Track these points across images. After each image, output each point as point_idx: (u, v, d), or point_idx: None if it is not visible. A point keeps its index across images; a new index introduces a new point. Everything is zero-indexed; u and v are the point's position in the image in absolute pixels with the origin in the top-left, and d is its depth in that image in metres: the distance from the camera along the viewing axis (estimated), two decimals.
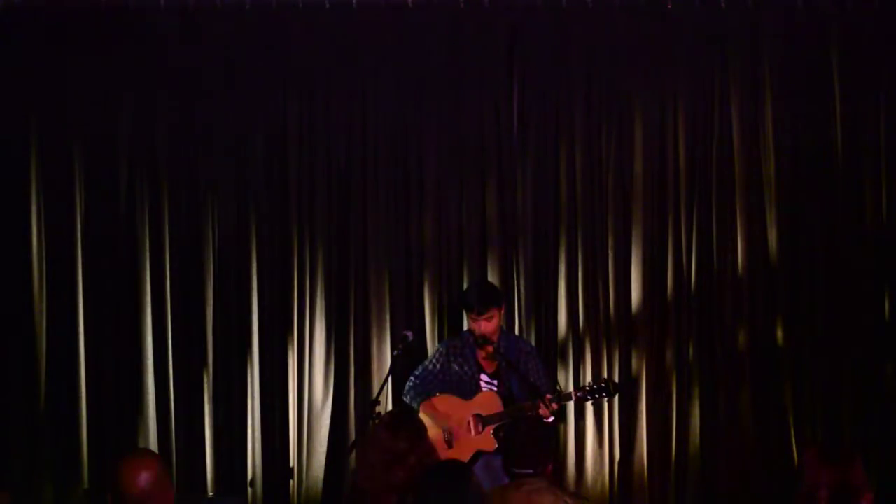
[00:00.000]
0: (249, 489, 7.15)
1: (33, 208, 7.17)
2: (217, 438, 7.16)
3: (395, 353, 6.37)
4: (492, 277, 7.12)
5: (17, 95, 7.13)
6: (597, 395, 6.10)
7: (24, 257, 7.14)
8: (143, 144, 7.21)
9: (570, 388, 6.72)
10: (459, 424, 6.09)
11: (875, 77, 7.21)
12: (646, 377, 7.19)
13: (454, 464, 4.09)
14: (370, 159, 7.25)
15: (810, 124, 7.24)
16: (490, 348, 6.14)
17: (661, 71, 7.26)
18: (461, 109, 7.25)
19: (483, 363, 6.22)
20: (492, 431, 6.04)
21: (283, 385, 7.19)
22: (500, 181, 7.26)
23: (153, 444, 7.06)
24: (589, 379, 7.01)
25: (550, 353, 7.21)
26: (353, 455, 6.15)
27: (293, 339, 7.20)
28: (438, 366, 6.27)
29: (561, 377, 7.14)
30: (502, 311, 6.28)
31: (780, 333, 7.19)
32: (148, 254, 7.16)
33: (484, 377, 6.21)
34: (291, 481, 7.17)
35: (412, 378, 6.31)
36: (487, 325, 6.09)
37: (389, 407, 6.77)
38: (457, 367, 6.22)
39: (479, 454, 6.03)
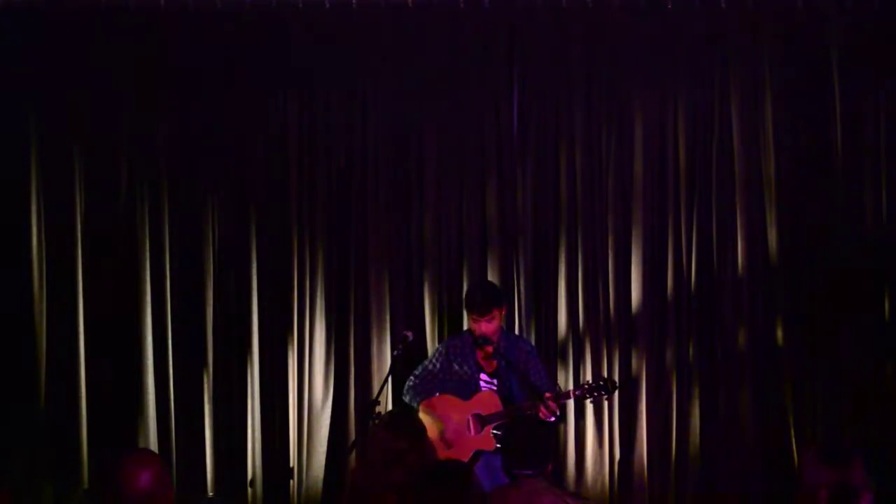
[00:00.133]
0: (249, 489, 7.15)
1: (33, 208, 7.17)
2: (217, 438, 7.16)
3: (395, 353, 6.37)
4: (492, 277, 7.12)
5: (17, 95, 7.13)
6: (595, 394, 6.10)
7: (24, 257, 7.14)
8: (143, 144, 7.21)
9: (570, 388, 6.71)
10: (459, 424, 6.09)
11: (875, 77, 7.21)
12: (646, 377, 7.19)
13: (454, 464, 4.09)
14: (370, 159, 7.25)
15: (810, 124, 7.24)
16: (490, 348, 6.14)
17: (661, 71, 7.26)
18: (461, 109, 7.25)
19: (482, 363, 6.21)
20: (491, 431, 6.03)
21: (283, 385, 7.19)
22: (500, 181, 7.26)
23: (153, 444, 7.06)
24: (589, 379, 7.00)
25: (550, 353, 7.21)
26: (353, 455, 6.16)
27: (293, 339, 7.20)
28: (438, 365, 6.27)
29: (561, 377, 7.14)
30: (503, 312, 6.28)
31: (780, 333, 7.19)
32: (148, 254, 7.16)
33: (483, 377, 6.21)
34: (291, 481, 7.17)
35: (412, 378, 6.31)
36: (488, 326, 6.10)
37: (389, 407, 6.77)
38: (456, 367, 6.22)
39: (478, 454, 6.03)
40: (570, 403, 7.06)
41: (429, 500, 3.75)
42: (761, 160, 7.24)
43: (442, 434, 6.06)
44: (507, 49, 7.25)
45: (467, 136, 7.25)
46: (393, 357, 6.65)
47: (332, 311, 7.22)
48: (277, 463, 7.18)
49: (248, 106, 7.21)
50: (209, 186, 7.23)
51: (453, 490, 3.75)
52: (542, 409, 5.90)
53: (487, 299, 6.15)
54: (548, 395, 5.98)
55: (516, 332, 7.12)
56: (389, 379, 6.52)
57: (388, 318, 7.21)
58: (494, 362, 6.19)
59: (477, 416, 6.07)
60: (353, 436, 7.04)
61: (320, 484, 7.13)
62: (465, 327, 6.44)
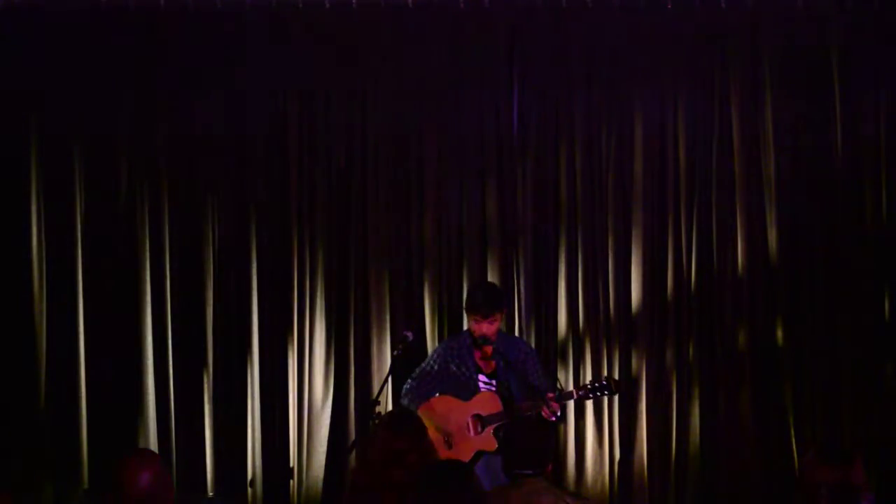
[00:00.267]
0: (249, 489, 7.15)
1: (33, 208, 7.17)
2: (217, 438, 7.16)
3: (395, 353, 6.37)
4: (492, 277, 7.12)
5: (17, 95, 7.13)
6: (598, 393, 6.10)
7: (24, 257, 7.14)
8: (143, 144, 7.21)
9: (571, 387, 6.71)
10: (459, 425, 6.09)
11: (875, 77, 7.21)
12: (646, 377, 7.19)
13: (454, 464, 4.09)
14: (370, 159, 7.26)
15: (810, 124, 7.24)
16: (490, 349, 6.14)
17: (661, 71, 7.26)
18: (461, 109, 7.25)
19: (481, 363, 6.21)
20: (492, 431, 6.03)
21: (283, 385, 7.19)
22: (500, 181, 7.26)
23: (153, 444, 7.06)
24: (589, 379, 7.00)
25: (550, 353, 7.21)
26: (353, 455, 6.16)
27: (293, 339, 7.20)
28: (436, 367, 6.27)
29: (561, 377, 7.13)
30: (504, 314, 6.28)
31: (780, 333, 7.19)
32: (148, 254, 7.16)
33: (482, 377, 6.20)
34: (291, 481, 7.17)
35: (410, 380, 6.31)
36: (489, 328, 6.10)
37: (389, 407, 6.77)
38: (454, 368, 6.21)
39: (479, 454, 6.03)
40: (571, 403, 7.06)
41: (429, 500, 3.75)
42: (761, 160, 7.24)
43: (442, 435, 6.06)
44: (507, 49, 7.25)
45: (467, 136, 7.25)
46: (393, 357, 6.65)
47: (332, 311, 7.22)
48: (277, 463, 7.18)
49: (248, 106, 7.21)
50: (209, 186, 7.23)
51: (453, 490, 3.75)
52: (545, 408, 5.90)
53: (492, 301, 6.15)
54: (550, 395, 5.98)
55: (516, 332, 7.13)
56: (389, 379, 6.52)
57: (388, 318, 7.21)
58: (493, 363, 6.19)
59: (477, 417, 6.07)
60: (353, 436, 7.04)
61: (320, 484, 7.13)
62: (465, 328, 6.44)
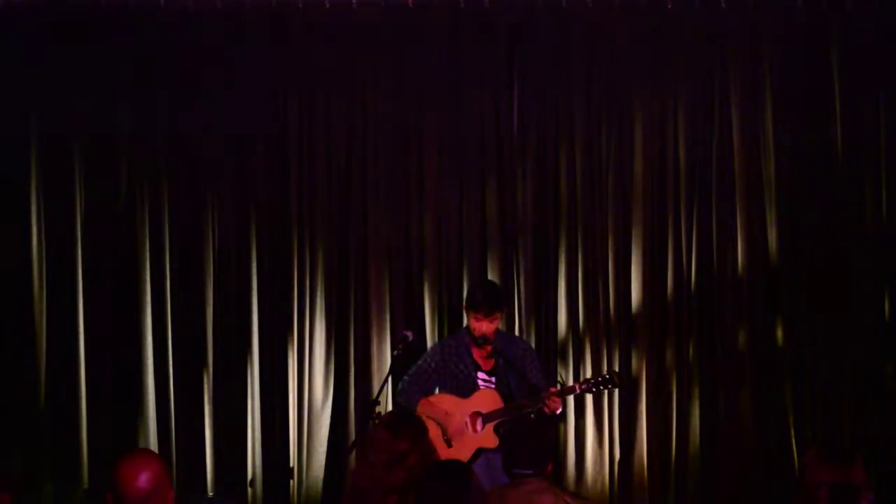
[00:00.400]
0: (249, 489, 7.15)
1: (33, 208, 7.17)
2: (217, 438, 7.17)
3: (395, 353, 6.36)
4: (492, 277, 7.12)
5: (17, 95, 7.14)
6: (601, 387, 6.10)
7: (24, 257, 7.14)
8: (143, 144, 7.21)
9: (574, 382, 6.70)
10: (459, 423, 6.09)
11: (875, 77, 7.21)
12: (646, 377, 7.19)
13: (454, 464, 4.09)
14: (370, 159, 7.26)
15: (810, 124, 7.24)
16: (490, 347, 6.14)
17: (661, 71, 7.26)
18: (461, 109, 7.25)
19: (480, 361, 6.21)
20: (493, 428, 6.03)
21: (283, 385, 7.19)
22: (500, 181, 7.26)
23: (153, 444, 7.06)
24: (591, 375, 7.00)
25: (550, 352, 7.21)
26: (353, 455, 6.16)
27: (293, 339, 7.20)
28: (433, 364, 6.26)
29: (561, 377, 7.13)
30: (504, 312, 6.28)
31: (780, 333, 7.19)
32: (148, 254, 7.17)
33: (481, 375, 6.20)
34: (291, 481, 7.17)
35: (405, 378, 6.30)
36: (490, 326, 6.10)
37: (389, 407, 6.77)
38: (453, 366, 6.21)
39: (479, 452, 6.03)
40: (571, 402, 7.06)
41: (429, 500, 3.75)
42: (761, 160, 7.24)
43: (443, 433, 6.06)
44: (507, 49, 7.25)
45: (467, 136, 7.25)
46: (393, 357, 6.64)
47: (332, 311, 7.22)
48: (277, 463, 7.18)
49: (248, 106, 7.21)
50: (209, 186, 7.23)
51: (453, 490, 3.75)
52: (548, 403, 5.91)
53: (493, 300, 6.15)
54: (553, 389, 5.98)
55: (516, 331, 7.13)
56: (389, 379, 6.52)
57: (388, 318, 7.21)
58: (492, 360, 6.19)
59: (478, 415, 6.07)
60: (353, 436, 7.04)
61: (320, 484, 7.13)
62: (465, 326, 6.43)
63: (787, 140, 7.24)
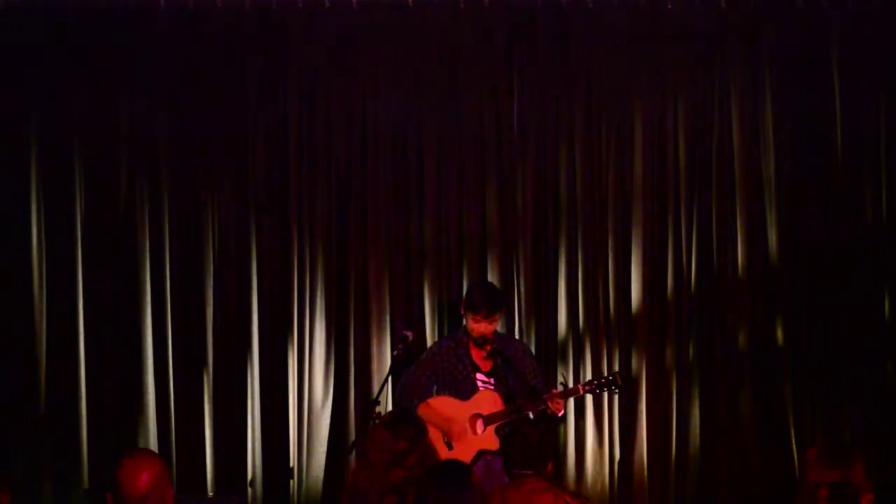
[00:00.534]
0: (249, 489, 7.15)
1: (33, 208, 7.17)
2: (217, 438, 7.17)
3: (395, 353, 6.36)
4: (492, 277, 7.12)
5: (17, 95, 7.13)
6: (604, 389, 6.10)
7: (24, 257, 7.14)
8: (143, 144, 7.21)
9: (577, 383, 6.69)
10: (460, 425, 6.08)
11: (875, 77, 7.21)
12: (646, 377, 7.19)
13: (454, 464, 4.09)
14: (370, 159, 7.25)
15: (810, 124, 7.24)
16: (489, 347, 6.14)
17: (661, 71, 7.26)
18: (461, 109, 7.25)
19: (479, 362, 6.21)
20: (494, 430, 6.03)
21: (283, 385, 7.19)
22: (500, 181, 7.26)
23: (153, 444, 7.06)
24: (592, 376, 7.00)
25: (550, 353, 7.21)
26: (353, 455, 6.16)
27: (293, 339, 7.20)
28: (432, 366, 6.26)
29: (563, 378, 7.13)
30: (503, 313, 6.28)
31: (780, 333, 7.19)
32: (148, 254, 7.17)
33: (480, 376, 6.20)
34: (291, 481, 7.17)
35: (402, 381, 6.30)
36: (489, 328, 6.10)
37: (389, 407, 6.77)
38: (451, 367, 6.21)
39: (481, 454, 6.02)
40: (571, 404, 7.06)
41: (429, 500, 3.75)
42: (761, 160, 7.24)
43: (443, 436, 6.06)
44: (507, 49, 7.25)
45: (467, 136, 7.25)
46: (393, 357, 6.65)
47: (332, 311, 7.22)
48: (277, 463, 7.18)
49: (248, 106, 7.21)
50: (209, 186, 7.23)
51: (454, 490, 3.75)
52: (551, 404, 5.91)
53: (493, 301, 6.15)
54: (555, 390, 5.98)
55: (516, 332, 7.13)
56: (389, 379, 6.52)
57: (388, 318, 7.21)
58: (491, 361, 6.19)
59: (479, 417, 6.07)
60: (353, 436, 7.03)
61: (320, 484, 7.13)
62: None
63: (787, 140, 7.24)
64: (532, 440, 4.64)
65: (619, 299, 7.23)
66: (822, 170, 7.23)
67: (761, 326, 7.20)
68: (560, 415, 6.03)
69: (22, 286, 7.12)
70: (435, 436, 5.90)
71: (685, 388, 7.20)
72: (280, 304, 7.23)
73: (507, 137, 7.26)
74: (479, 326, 6.09)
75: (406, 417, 4.43)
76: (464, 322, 6.28)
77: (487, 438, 6.03)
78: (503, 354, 6.14)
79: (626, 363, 7.19)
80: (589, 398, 7.10)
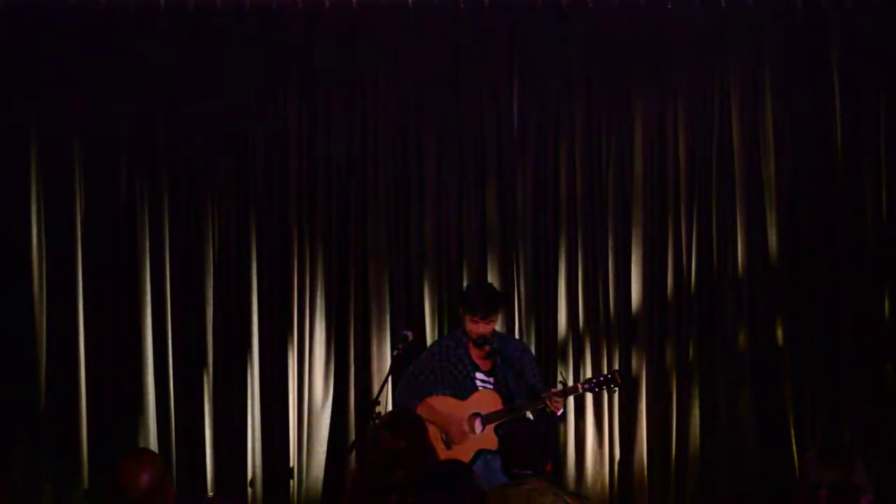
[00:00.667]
0: (249, 489, 7.15)
1: (33, 208, 7.17)
2: (217, 438, 7.16)
3: (395, 353, 6.36)
4: (492, 277, 7.12)
5: (17, 95, 7.13)
6: (603, 387, 6.10)
7: (24, 257, 7.14)
8: (143, 144, 7.21)
9: (576, 382, 6.70)
10: (459, 424, 6.08)
11: (875, 77, 7.21)
12: (646, 377, 7.19)
13: (454, 464, 4.09)
14: (370, 159, 7.25)
15: (810, 124, 7.25)
16: (488, 347, 6.14)
17: (661, 71, 7.26)
18: (461, 109, 7.25)
19: (478, 362, 6.21)
20: (493, 430, 6.03)
21: (283, 385, 7.19)
22: (500, 181, 7.26)
23: (153, 444, 7.05)
24: (591, 375, 7.00)
25: (550, 353, 7.21)
26: (353, 455, 6.16)
27: (293, 339, 7.20)
28: (431, 366, 6.26)
29: (562, 377, 7.14)
30: (500, 312, 6.29)
31: (780, 333, 7.19)
32: (148, 254, 7.16)
33: (479, 376, 6.20)
34: (291, 481, 7.16)
35: (402, 382, 6.30)
36: (487, 328, 6.10)
37: (389, 407, 6.77)
38: (450, 367, 6.21)
39: (480, 453, 6.02)
40: (571, 403, 7.06)
41: (429, 500, 3.75)
42: (761, 160, 7.24)
43: (442, 435, 6.06)
44: (507, 49, 7.25)
45: (467, 136, 7.25)
46: (393, 357, 6.64)
47: (332, 311, 7.22)
48: (277, 463, 7.18)
49: (248, 106, 7.21)
50: (209, 186, 7.23)
51: (453, 490, 3.75)
52: (550, 403, 5.90)
53: (491, 302, 6.15)
54: (554, 389, 5.98)
55: (516, 332, 7.13)
56: (389, 379, 6.52)
57: (388, 318, 7.21)
58: (490, 361, 6.19)
59: (477, 416, 6.07)
60: (353, 436, 7.04)
61: (320, 484, 7.13)
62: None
63: (787, 140, 7.24)
64: (532, 440, 4.65)
65: (619, 299, 7.23)
66: (822, 170, 7.23)
67: (761, 326, 7.20)
68: (559, 413, 6.03)
69: (22, 286, 7.12)
70: (434, 436, 5.91)
71: (685, 388, 7.20)
72: (280, 304, 7.23)
73: (507, 137, 7.26)
74: (476, 327, 6.09)
75: (406, 417, 4.43)
76: (462, 322, 6.29)
77: (486, 438, 6.03)
78: (502, 354, 6.14)
79: (626, 363, 7.19)
80: (589, 398, 7.10)
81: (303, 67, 7.23)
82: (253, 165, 7.24)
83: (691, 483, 7.17)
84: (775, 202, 7.21)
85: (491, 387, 6.16)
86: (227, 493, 7.12)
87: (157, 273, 7.17)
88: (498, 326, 6.34)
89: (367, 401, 6.86)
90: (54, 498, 7.09)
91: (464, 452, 5.97)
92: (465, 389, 6.16)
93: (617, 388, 6.25)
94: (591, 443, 7.18)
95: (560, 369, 7.10)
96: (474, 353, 6.20)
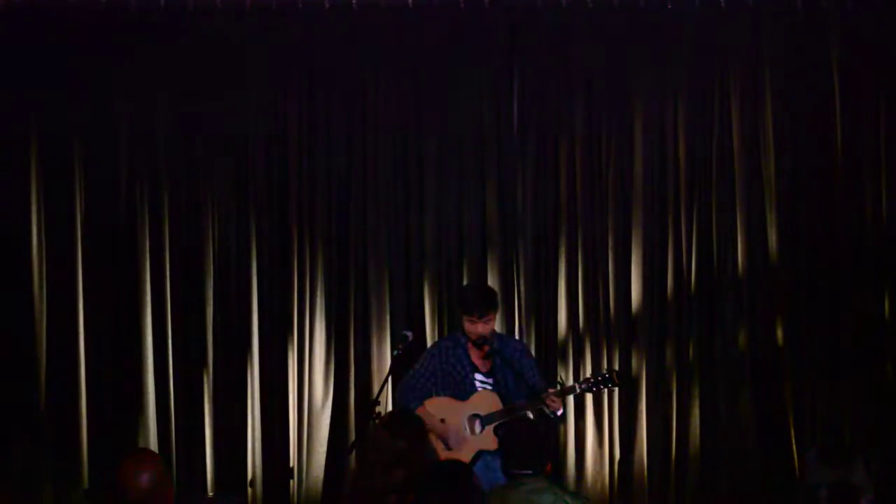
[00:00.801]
0: (249, 489, 7.15)
1: (33, 208, 7.18)
2: (217, 438, 7.17)
3: (395, 353, 6.35)
4: (492, 277, 7.13)
5: (17, 95, 7.14)
6: (601, 386, 6.09)
7: (24, 257, 7.14)
8: (143, 144, 7.22)
9: (574, 382, 6.70)
10: (458, 425, 6.08)
11: (875, 77, 7.21)
12: (646, 377, 7.19)
13: (454, 464, 4.09)
14: (370, 159, 7.26)
15: (810, 124, 7.25)
16: (487, 347, 6.13)
17: (661, 71, 7.26)
18: (461, 109, 7.25)
19: (477, 362, 6.19)
20: (492, 430, 6.02)
21: (283, 385, 7.19)
22: (500, 181, 7.26)
23: (153, 444, 7.06)
24: (590, 372, 7.00)
25: (550, 353, 7.21)
26: (353, 455, 6.16)
27: (293, 339, 7.20)
28: (430, 367, 6.25)
29: (561, 377, 7.13)
30: (498, 312, 6.29)
31: (780, 333, 7.19)
32: (148, 254, 7.17)
33: (479, 376, 6.18)
34: (291, 481, 7.17)
35: (402, 383, 6.29)
36: (485, 328, 6.09)
37: (389, 407, 6.77)
38: (449, 368, 6.20)
39: (479, 454, 6.02)
40: (571, 403, 7.06)
41: (429, 500, 3.75)
42: (761, 160, 7.24)
43: (442, 436, 6.05)
44: (507, 49, 7.25)
45: (467, 135, 7.26)
46: (393, 357, 6.64)
47: (332, 311, 7.22)
48: (277, 463, 7.18)
49: (248, 106, 7.22)
50: (209, 187, 7.23)
51: (453, 490, 3.75)
52: (549, 403, 5.90)
53: (486, 301, 6.13)
54: (552, 389, 5.98)
55: (515, 332, 7.13)
56: (389, 379, 6.52)
57: (388, 318, 7.21)
58: (489, 361, 6.18)
59: (477, 417, 6.07)
60: (353, 436, 7.04)
61: (320, 484, 7.13)
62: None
63: (787, 140, 7.24)
64: (531, 440, 4.64)
65: (619, 299, 7.23)
66: (822, 170, 7.23)
67: (761, 326, 7.20)
68: (559, 413, 6.02)
69: (22, 286, 7.12)
70: (433, 437, 5.90)
71: (685, 388, 7.21)
72: (280, 304, 7.23)
73: (507, 137, 7.27)
74: (474, 327, 6.08)
75: (406, 417, 4.43)
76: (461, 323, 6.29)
77: (485, 438, 6.02)
78: (502, 354, 6.13)
79: (626, 363, 7.20)
80: (589, 398, 7.10)
81: (303, 67, 7.23)
82: (253, 165, 7.24)
83: (691, 483, 7.17)
84: (775, 202, 7.21)
85: (490, 387, 6.15)
86: (227, 493, 7.13)
87: (157, 273, 7.18)
88: (498, 326, 6.33)
89: (367, 401, 6.86)
90: (54, 498, 7.09)
91: (463, 454, 5.95)
92: (464, 390, 6.14)
93: (615, 387, 6.25)
94: (591, 443, 7.18)
95: (559, 371, 7.10)
96: (473, 354, 6.18)
